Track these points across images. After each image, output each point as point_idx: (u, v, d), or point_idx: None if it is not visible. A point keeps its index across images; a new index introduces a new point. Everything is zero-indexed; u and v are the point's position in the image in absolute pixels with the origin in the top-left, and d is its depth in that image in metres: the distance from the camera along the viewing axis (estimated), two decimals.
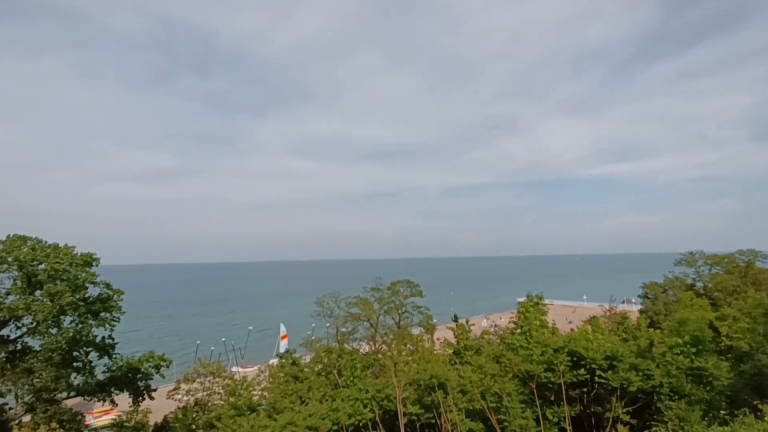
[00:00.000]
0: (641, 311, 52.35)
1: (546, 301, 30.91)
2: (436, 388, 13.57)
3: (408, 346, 33.21)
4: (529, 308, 27.04)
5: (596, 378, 16.02)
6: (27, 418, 25.41)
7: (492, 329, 68.11)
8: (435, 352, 30.15)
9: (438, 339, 52.40)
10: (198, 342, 66.41)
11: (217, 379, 33.06)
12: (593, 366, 16.09)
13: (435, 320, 46.38)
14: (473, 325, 23.57)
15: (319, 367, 19.24)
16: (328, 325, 50.56)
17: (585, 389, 16.35)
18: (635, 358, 16.62)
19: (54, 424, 24.72)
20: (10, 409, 23.96)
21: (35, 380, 24.18)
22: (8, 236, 26.19)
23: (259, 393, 30.46)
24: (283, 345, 68.56)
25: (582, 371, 16.09)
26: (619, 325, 28.45)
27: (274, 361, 47.33)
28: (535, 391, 13.13)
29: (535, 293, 29.03)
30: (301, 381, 22.44)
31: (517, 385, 15.79)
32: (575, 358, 16.49)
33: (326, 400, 14.82)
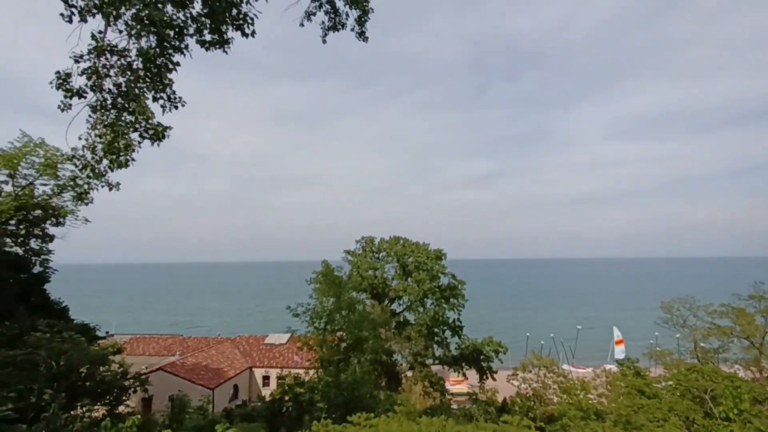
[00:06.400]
0: None
1: None
2: None
3: None
4: None
5: None
6: (408, 374, 33.77)
7: None
8: None
9: None
10: (528, 334, 69.16)
11: (551, 374, 33.23)
12: None
13: None
14: None
15: (682, 386, 15.99)
16: (678, 335, 41.88)
17: None
18: None
19: (426, 383, 31.71)
20: (401, 364, 32.41)
21: (412, 346, 31.76)
22: (390, 237, 35.92)
23: (596, 398, 28.51)
24: (619, 351, 61.74)
25: None
26: None
27: (611, 366, 43.02)
28: None
29: None
30: (649, 397, 19.77)
31: None
32: None
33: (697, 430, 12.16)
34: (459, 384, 46.23)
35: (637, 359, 27.23)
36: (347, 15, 10.83)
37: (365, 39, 10.77)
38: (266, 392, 38.48)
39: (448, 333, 34.07)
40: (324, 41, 11.08)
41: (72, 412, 11.82)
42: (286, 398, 14.50)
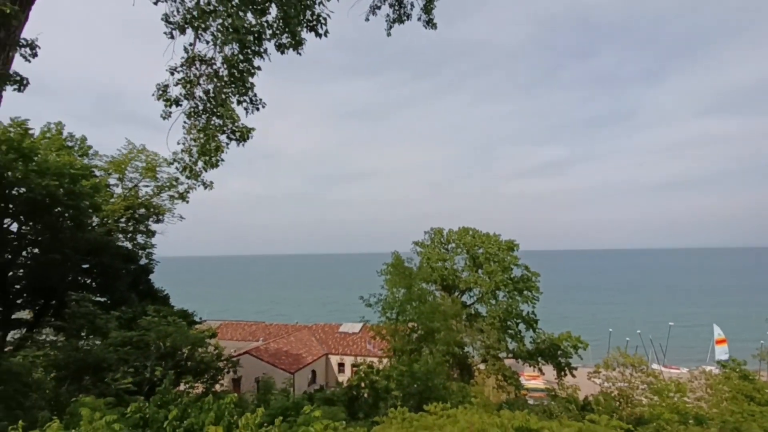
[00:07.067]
0: None
1: None
2: None
3: None
4: None
5: None
6: (481, 367, 33.16)
7: None
8: None
9: None
10: (610, 330, 64.54)
11: (639, 374, 30.82)
12: None
13: None
14: None
15: None
16: None
17: None
18: None
19: (499, 376, 30.95)
20: (473, 357, 31.95)
21: (485, 338, 31.10)
22: (459, 228, 35.37)
23: (692, 402, 25.98)
24: (721, 351, 55.40)
25: None
26: None
27: (711, 368, 38.89)
28: None
29: None
30: (760, 404, 17.77)
31: None
32: None
33: None
34: (534, 379, 44.51)
35: (744, 361, 24.31)
36: (412, 5, 10.76)
37: (434, 26, 10.64)
38: (341, 378, 40.15)
39: (522, 326, 32.91)
40: (389, 34, 11.13)
41: (177, 388, 13.33)
42: (363, 385, 15.04)
